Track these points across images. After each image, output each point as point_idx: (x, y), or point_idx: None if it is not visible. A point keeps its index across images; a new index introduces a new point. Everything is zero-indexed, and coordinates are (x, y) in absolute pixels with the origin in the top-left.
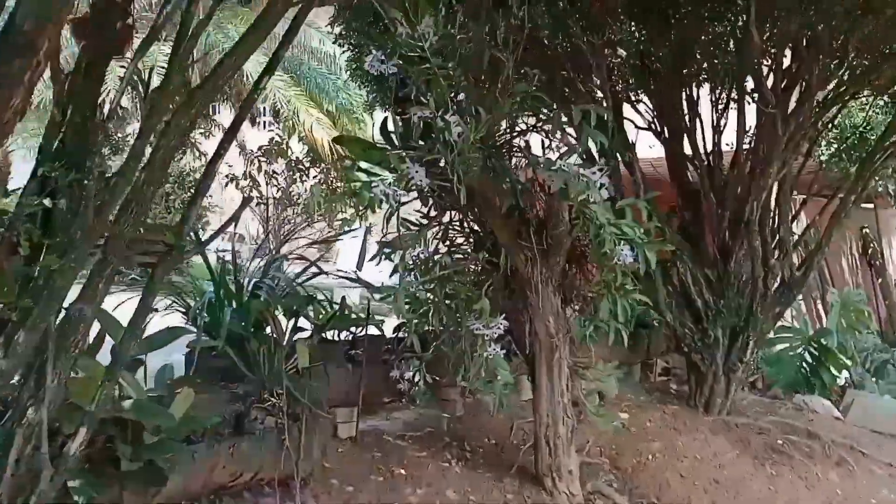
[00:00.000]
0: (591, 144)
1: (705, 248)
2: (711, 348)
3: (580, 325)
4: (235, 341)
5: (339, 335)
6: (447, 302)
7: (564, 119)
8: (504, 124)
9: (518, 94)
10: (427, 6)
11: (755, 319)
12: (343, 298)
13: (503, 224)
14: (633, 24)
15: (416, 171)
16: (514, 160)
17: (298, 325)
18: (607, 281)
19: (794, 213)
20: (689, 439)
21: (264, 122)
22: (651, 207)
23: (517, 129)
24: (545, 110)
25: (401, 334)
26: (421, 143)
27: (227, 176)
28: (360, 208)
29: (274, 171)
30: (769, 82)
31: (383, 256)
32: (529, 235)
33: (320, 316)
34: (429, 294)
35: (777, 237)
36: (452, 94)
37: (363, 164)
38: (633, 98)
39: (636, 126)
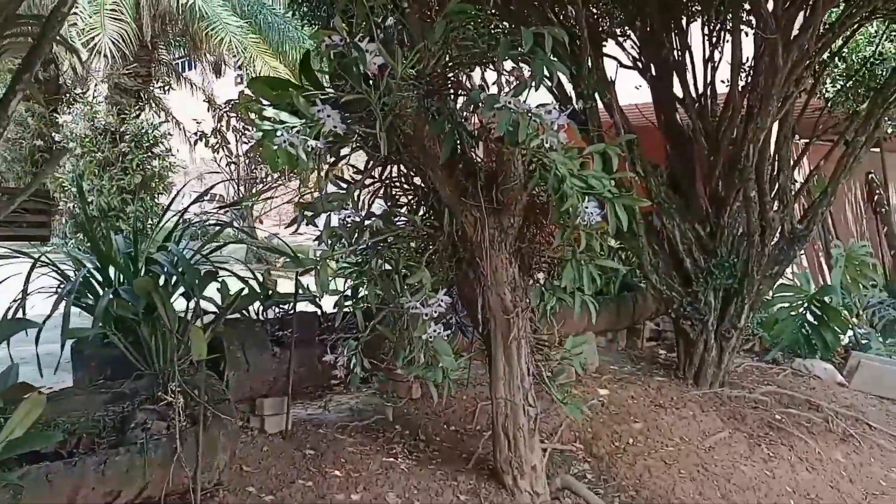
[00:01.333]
0: (567, 84)
1: (696, 200)
2: (702, 313)
3: (540, 298)
4: (129, 328)
5: (263, 313)
6: (385, 273)
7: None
8: (446, 57)
9: (455, 13)
10: None
11: (751, 280)
12: (267, 272)
13: (446, 178)
14: None
15: (328, 115)
16: (460, 100)
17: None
18: (570, 244)
19: (795, 158)
20: (674, 418)
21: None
22: (633, 154)
23: (461, 61)
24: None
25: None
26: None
27: (195, 133)
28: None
29: (245, 127)
30: (769, 5)
31: (304, 221)
32: (478, 191)
33: (229, 294)
34: (361, 264)
35: (776, 186)
36: (380, 20)
37: (267, 111)
38: (616, 32)
39: (621, 64)
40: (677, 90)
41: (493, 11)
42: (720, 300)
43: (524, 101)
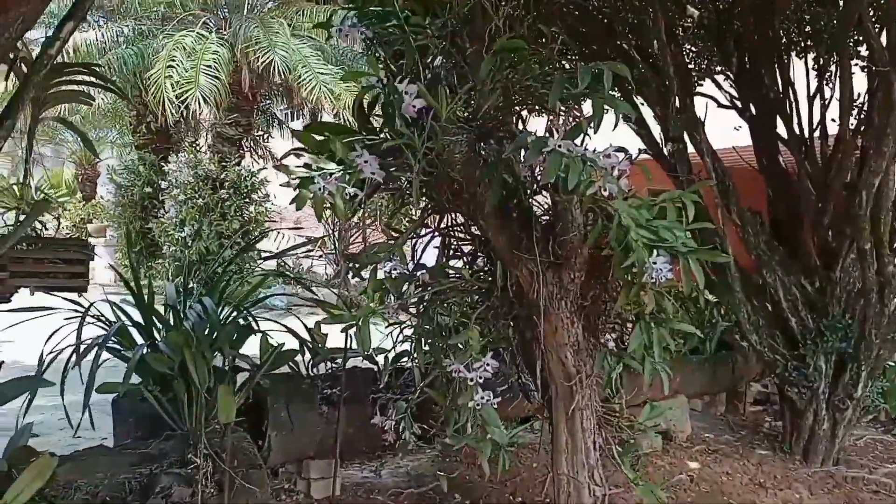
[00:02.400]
0: (655, 127)
1: (802, 252)
2: (811, 379)
3: (605, 363)
4: (168, 383)
5: (313, 369)
6: (435, 330)
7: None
8: (500, 98)
9: (507, 51)
10: None
11: (868, 344)
12: (316, 324)
13: (498, 228)
14: None
15: (366, 161)
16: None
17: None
18: (637, 304)
19: None
20: (777, 501)
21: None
22: (728, 200)
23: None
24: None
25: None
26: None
27: (275, 167)
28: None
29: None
30: (882, 37)
31: (350, 274)
32: (533, 243)
33: (268, 350)
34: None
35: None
36: (429, 59)
37: (307, 156)
38: (711, 69)
39: (718, 104)
40: (780, 130)
41: (562, 49)
42: (832, 365)
43: (582, 145)
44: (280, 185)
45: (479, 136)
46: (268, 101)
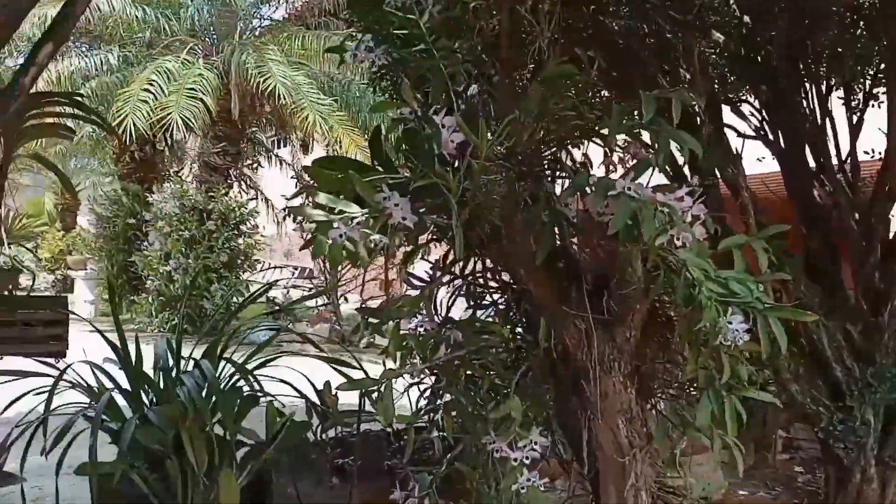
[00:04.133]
0: (676, 154)
1: (842, 294)
2: (859, 434)
3: (662, 435)
4: (159, 461)
5: (323, 434)
6: (465, 394)
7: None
8: (542, 131)
9: (554, 78)
10: None
11: None
12: (326, 384)
13: (543, 280)
14: None
15: (396, 205)
16: (558, 182)
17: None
18: (707, 369)
19: None
20: None
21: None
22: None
23: (560, 135)
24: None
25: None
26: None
27: (283, 209)
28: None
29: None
30: None
31: (369, 330)
32: (583, 296)
33: (277, 420)
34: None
35: None
36: (462, 88)
37: (322, 196)
38: (733, 98)
39: (739, 134)
40: (810, 160)
41: (595, 77)
42: (881, 419)
43: (646, 186)
44: (293, 229)
45: (521, 174)
46: (254, 129)
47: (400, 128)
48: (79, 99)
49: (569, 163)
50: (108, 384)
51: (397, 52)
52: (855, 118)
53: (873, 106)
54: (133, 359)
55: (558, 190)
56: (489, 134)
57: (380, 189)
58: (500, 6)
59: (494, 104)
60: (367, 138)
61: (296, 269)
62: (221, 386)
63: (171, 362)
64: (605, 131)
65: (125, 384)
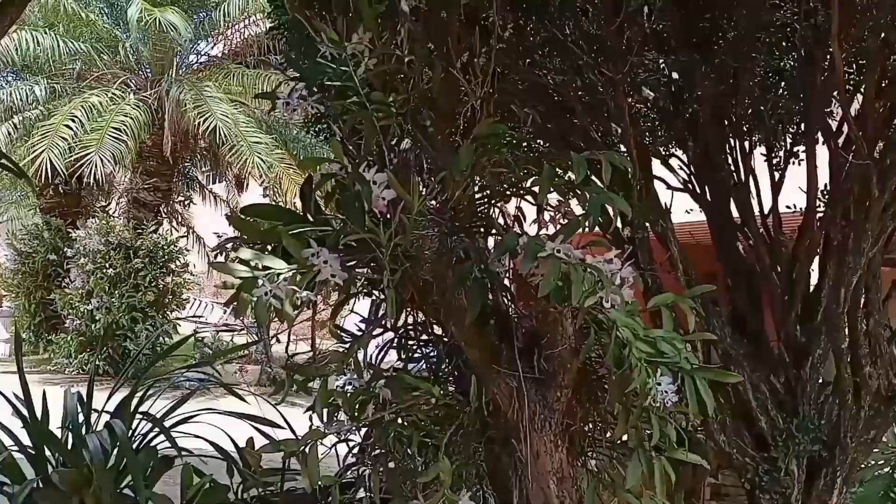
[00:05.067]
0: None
1: (766, 346)
2: (784, 485)
3: (593, 495)
4: None
5: (244, 493)
6: (395, 452)
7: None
8: (474, 187)
9: (486, 136)
10: (369, 16)
11: (843, 448)
12: (249, 441)
13: (474, 337)
14: (662, 56)
15: (325, 262)
16: (490, 239)
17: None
18: (637, 431)
19: (883, 295)
20: None
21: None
22: (690, 285)
23: (492, 191)
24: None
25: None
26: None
27: (215, 247)
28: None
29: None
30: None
31: (294, 387)
32: (514, 355)
33: (194, 482)
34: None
35: (865, 331)
36: (394, 142)
37: (245, 251)
38: (662, 151)
39: (668, 186)
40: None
41: (528, 130)
42: (804, 470)
43: (573, 247)
44: (214, 285)
45: (452, 229)
46: (188, 164)
47: (330, 182)
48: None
49: (500, 220)
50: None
51: (330, 101)
52: (777, 175)
53: (794, 163)
54: (39, 412)
55: (489, 245)
56: (421, 189)
57: (307, 243)
58: (434, 62)
59: (427, 158)
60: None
61: (226, 307)
62: (135, 444)
63: (80, 418)
64: (536, 188)
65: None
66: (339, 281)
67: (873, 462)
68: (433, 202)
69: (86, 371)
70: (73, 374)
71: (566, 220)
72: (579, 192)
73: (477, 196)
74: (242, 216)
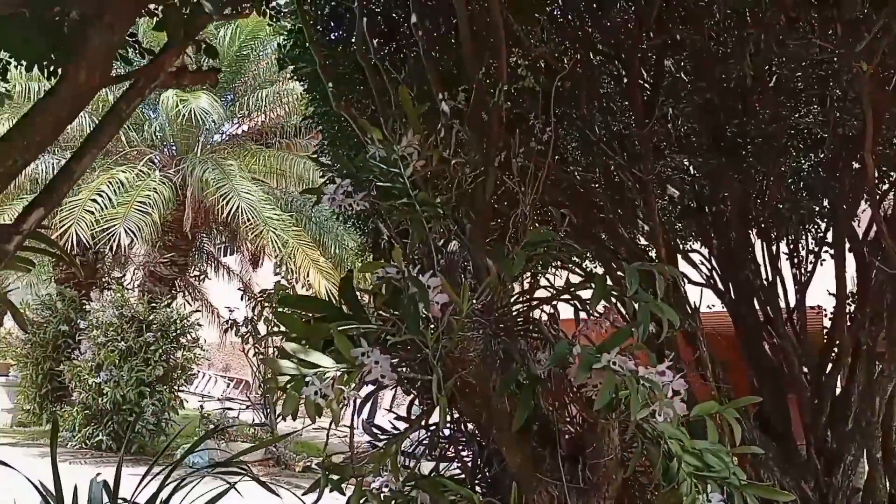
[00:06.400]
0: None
1: (795, 451)
2: None
3: None
4: None
5: None
6: None
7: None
8: (517, 289)
9: (536, 242)
10: (414, 117)
11: None
12: None
13: (515, 443)
14: (691, 158)
15: (376, 362)
16: (533, 341)
17: None
18: None
19: None
20: None
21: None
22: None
23: (535, 294)
24: (577, 269)
25: None
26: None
27: (227, 321)
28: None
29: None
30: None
31: (329, 488)
32: (557, 463)
33: None
34: None
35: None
36: (441, 242)
37: (290, 345)
38: (682, 247)
39: (690, 281)
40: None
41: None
42: None
43: (628, 359)
44: (265, 388)
45: (496, 331)
46: (204, 238)
47: (382, 284)
48: (49, 237)
49: (545, 323)
50: None
51: (378, 200)
52: (801, 275)
53: (822, 263)
54: None
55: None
56: (469, 292)
57: (355, 341)
58: (488, 166)
59: (472, 259)
60: (322, 253)
61: (232, 380)
62: None
63: None
64: (584, 294)
65: None
66: (387, 382)
67: None
68: (478, 305)
69: (88, 445)
70: (75, 448)
71: (616, 331)
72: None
73: (521, 300)
74: (280, 308)
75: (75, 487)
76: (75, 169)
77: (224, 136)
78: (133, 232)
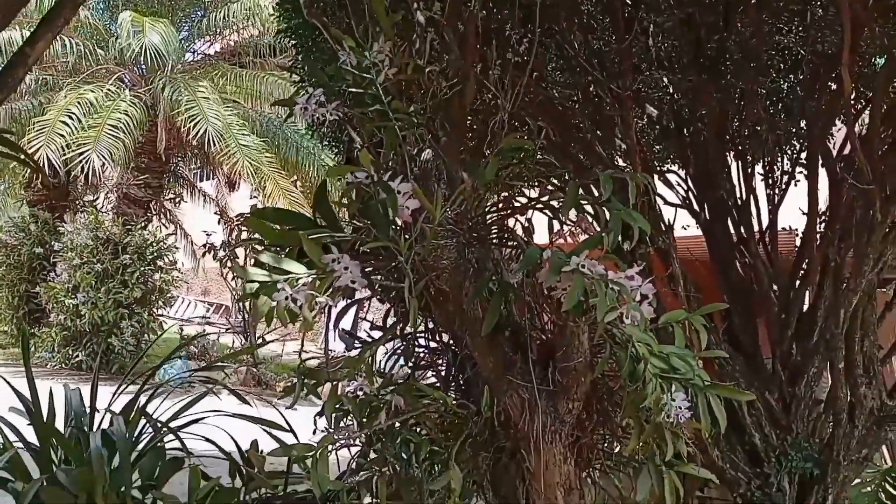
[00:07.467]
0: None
1: (761, 363)
2: (775, 501)
3: None
4: None
5: (246, 496)
6: (403, 459)
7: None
8: (493, 197)
9: (511, 150)
10: (387, 25)
11: (836, 466)
12: (254, 443)
13: (487, 348)
14: (670, 75)
15: (346, 268)
16: (506, 251)
17: None
18: (647, 445)
19: (877, 315)
20: None
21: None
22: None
23: (511, 203)
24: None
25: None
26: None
27: (204, 245)
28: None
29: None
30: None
31: (304, 392)
32: (528, 367)
33: (199, 488)
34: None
35: (861, 351)
36: (415, 151)
37: (264, 256)
38: (660, 168)
39: (665, 202)
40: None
41: (542, 148)
42: (796, 486)
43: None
44: (236, 292)
45: (469, 240)
46: (178, 161)
47: (352, 189)
48: (7, 137)
49: (518, 231)
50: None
51: (351, 109)
52: (775, 195)
53: (795, 184)
54: (44, 411)
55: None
56: (442, 200)
57: (326, 248)
58: (466, 75)
59: (446, 169)
60: (299, 177)
61: (211, 305)
62: (141, 445)
63: (84, 416)
64: (556, 202)
65: (31, 437)
66: (358, 287)
67: (859, 480)
68: (451, 213)
69: (68, 366)
70: (55, 368)
71: (586, 237)
72: (600, 208)
73: (493, 208)
74: (256, 218)
75: (50, 391)
76: (30, 53)
77: (197, 54)
78: (105, 157)
